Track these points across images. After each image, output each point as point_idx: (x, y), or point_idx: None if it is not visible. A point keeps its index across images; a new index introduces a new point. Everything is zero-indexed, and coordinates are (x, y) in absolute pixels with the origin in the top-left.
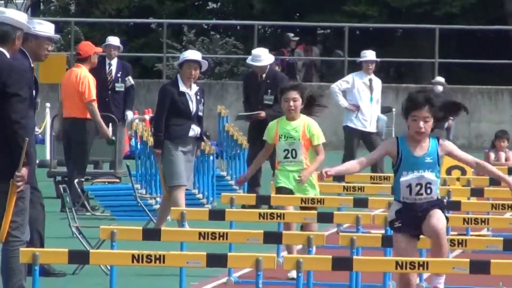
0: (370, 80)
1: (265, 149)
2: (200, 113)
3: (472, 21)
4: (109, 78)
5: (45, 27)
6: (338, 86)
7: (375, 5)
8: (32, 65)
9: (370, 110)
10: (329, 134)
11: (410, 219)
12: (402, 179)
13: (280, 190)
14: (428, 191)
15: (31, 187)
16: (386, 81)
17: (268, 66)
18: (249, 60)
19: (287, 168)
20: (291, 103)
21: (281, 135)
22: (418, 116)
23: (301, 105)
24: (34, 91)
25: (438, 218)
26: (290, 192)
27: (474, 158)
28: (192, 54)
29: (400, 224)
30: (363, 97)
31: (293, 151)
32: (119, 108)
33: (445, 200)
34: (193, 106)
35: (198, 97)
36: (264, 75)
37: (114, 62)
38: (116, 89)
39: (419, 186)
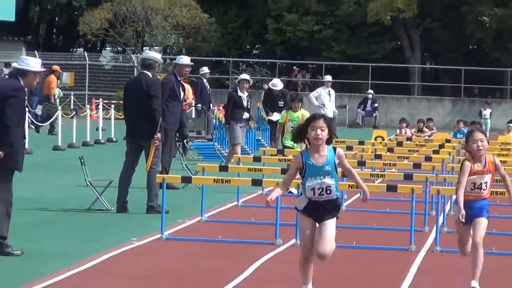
0: (329, 90)
1: (279, 126)
2: (248, 106)
3: None
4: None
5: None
6: (313, 94)
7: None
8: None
9: (330, 106)
10: None
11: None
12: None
13: (287, 146)
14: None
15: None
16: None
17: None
18: (270, 85)
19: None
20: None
21: (289, 119)
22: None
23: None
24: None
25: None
26: (291, 147)
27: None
28: (245, 76)
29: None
30: (325, 99)
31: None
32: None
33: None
34: (245, 103)
35: (247, 98)
36: (278, 92)
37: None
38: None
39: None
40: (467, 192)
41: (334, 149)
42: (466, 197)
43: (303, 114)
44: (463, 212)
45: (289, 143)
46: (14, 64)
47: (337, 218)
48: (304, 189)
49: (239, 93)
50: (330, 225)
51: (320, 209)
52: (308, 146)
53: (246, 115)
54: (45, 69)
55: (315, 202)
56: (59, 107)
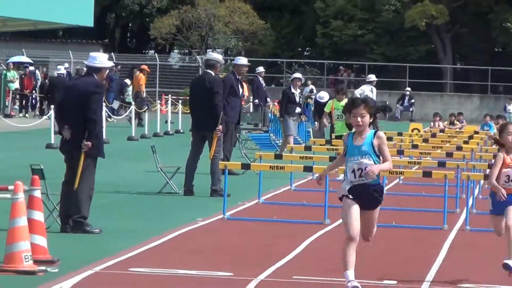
0: (372, 88)
1: (324, 115)
2: (300, 102)
3: None
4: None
5: None
6: (357, 91)
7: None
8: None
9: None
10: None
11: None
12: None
13: (338, 136)
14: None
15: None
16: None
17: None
18: (317, 97)
19: (338, 123)
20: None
21: (335, 108)
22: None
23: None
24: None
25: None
26: (341, 136)
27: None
28: (297, 75)
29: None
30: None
31: (341, 115)
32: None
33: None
34: (297, 99)
35: (299, 95)
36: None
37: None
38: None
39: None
40: (501, 185)
41: (376, 132)
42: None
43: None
44: (503, 190)
45: (339, 128)
46: (86, 62)
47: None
48: (346, 173)
49: (292, 90)
50: (374, 215)
51: (363, 193)
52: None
53: (298, 109)
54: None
55: (358, 186)
56: (133, 102)
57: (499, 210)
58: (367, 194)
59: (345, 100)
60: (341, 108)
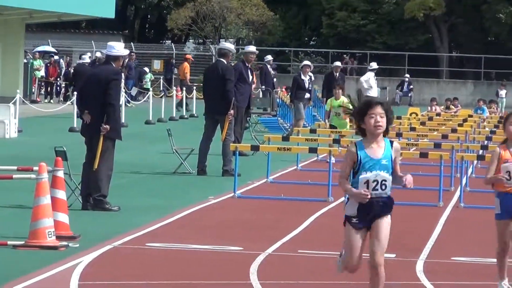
0: (375, 75)
1: (325, 113)
2: (310, 88)
3: None
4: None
5: None
6: (363, 78)
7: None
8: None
9: (375, 88)
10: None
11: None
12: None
13: (332, 126)
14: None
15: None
16: None
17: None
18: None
19: (335, 118)
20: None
21: (333, 106)
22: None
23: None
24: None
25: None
26: (334, 127)
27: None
28: (307, 62)
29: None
30: (372, 82)
31: (339, 113)
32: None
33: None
34: (307, 85)
35: (309, 81)
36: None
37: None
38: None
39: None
40: (506, 184)
41: (391, 142)
42: (504, 188)
43: (343, 101)
44: (502, 175)
45: (334, 123)
46: (104, 51)
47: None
48: (356, 184)
49: (302, 77)
50: (385, 226)
51: (373, 210)
52: (360, 135)
53: (307, 95)
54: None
55: (368, 203)
56: (151, 89)
57: (508, 215)
58: (377, 206)
59: (343, 98)
60: (338, 107)
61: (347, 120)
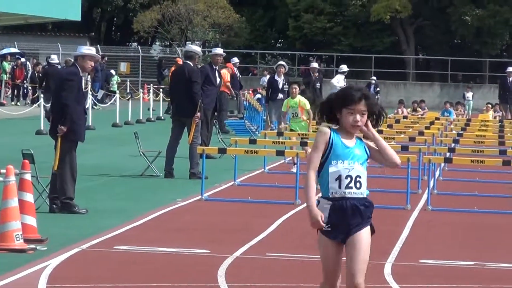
0: (344, 78)
1: (283, 114)
2: (284, 89)
3: None
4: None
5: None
6: (334, 80)
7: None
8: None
9: None
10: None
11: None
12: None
13: (292, 130)
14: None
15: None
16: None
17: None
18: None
19: (293, 123)
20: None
21: (290, 105)
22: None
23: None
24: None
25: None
26: (293, 130)
27: None
28: (281, 62)
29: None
30: (342, 84)
31: (296, 114)
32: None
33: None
34: (280, 86)
35: (283, 82)
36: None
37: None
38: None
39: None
40: None
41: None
42: None
43: (300, 100)
44: None
45: (293, 126)
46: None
47: (372, 231)
48: (326, 181)
49: (276, 77)
50: (364, 241)
51: (347, 215)
52: (334, 126)
53: (280, 96)
54: (96, 54)
55: (340, 205)
56: (117, 91)
57: None
58: (351, 210)
59: (299, 98)
60: (294, 106)
61: (307, 121)
